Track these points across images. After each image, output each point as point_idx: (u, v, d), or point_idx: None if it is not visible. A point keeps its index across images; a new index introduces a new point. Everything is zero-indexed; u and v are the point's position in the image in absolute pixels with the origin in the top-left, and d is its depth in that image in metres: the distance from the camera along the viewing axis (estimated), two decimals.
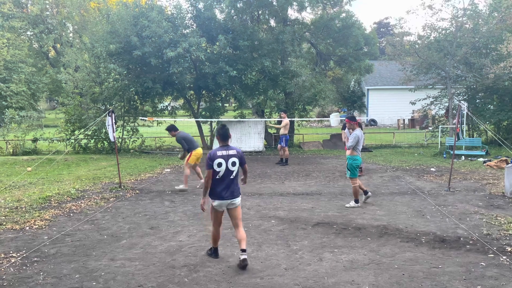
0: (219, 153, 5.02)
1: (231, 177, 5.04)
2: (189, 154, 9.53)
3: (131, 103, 17.83)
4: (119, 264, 5.15)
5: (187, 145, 9.49)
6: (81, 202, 8.33)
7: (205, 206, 5.20)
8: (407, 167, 12.56)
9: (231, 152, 5.07)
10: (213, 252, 5.36)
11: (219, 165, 4.97)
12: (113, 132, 9.93)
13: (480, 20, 16.07)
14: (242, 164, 5.17)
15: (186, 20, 17.10)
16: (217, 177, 5.00)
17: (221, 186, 5.02)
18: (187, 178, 9.60)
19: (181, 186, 9.62)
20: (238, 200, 5.16)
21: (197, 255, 5.45)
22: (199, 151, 9.67)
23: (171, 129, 9.78)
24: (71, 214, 7.50)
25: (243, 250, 4.99)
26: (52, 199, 8.56)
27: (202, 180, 9.51)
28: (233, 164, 5.03)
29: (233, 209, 5.16)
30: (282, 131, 13.55)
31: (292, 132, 19.22)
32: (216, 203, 5.08)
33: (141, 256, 5.42)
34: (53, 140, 17.47)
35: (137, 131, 18.00)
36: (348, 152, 7.96)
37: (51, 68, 32.00)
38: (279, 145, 13.79)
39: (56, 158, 14.04)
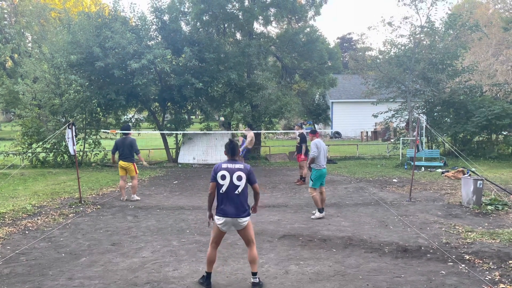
0: (224, 165, 4.75)
1: (236, 192, 4.66)
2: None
3: (93, 115, 17.34)
4: (77, 284, 4.91)
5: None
6: (38, 219, 7.94)
7: (211, 221, 4.88)
8: (371, 178, 12.84)
9: (237, 166, 4.75)
10: (205, 280, 4.82)
11: (223, 177, 4.67)
12: (74, 145, 9.59)
13: (436, 37, 16.84)
14: (251, 182, 4.78)
15: (151, 32, 16.92)
16: (221, 191, 4.68)
17: (225, 202, 4.67)
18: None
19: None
20: (245, 220, 4.71)
21: (160, 271, 5.29)
22: (120, 163, 9.79)
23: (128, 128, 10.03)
24: (27, 232, 7.12)
25: (254, 274, 4.74)
26: (6, 216, 8.11)
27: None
28: (239, 178, 4.67)
29: (241, 230, 4.78)
30: (249, 144, 13.67)
31: (259, 145, 19.28)
32: (218, 220, 4.71)
33: (102, 274, 5.20)
34: (8, 154, 16.69)
35: (100, 144, 17.49)
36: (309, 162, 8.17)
37: (7, 79, 30.68)
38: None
39: (11, 172, 13.39)
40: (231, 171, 4.69)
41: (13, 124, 22.83)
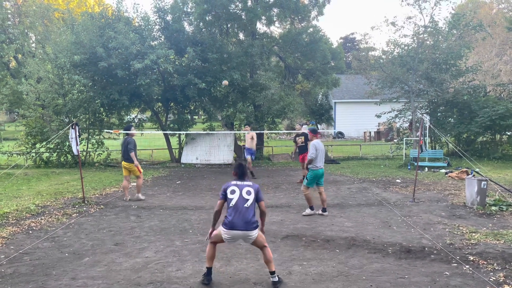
0: (233, 182, 4.90)
1: (246, 205, 4.72)
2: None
3: (96, 115, 17.38)
4: (80, 283, 4.91)
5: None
6: (41, 219, 7.96)
7: (209, 236, 4.91)
8: (374, 179, 12.81)
9: (246, 183, 4.90)
10: (206, 276, 4.88)
11: (232, 192, 4.79)
12: (77, 145, 9.61)
13: (440, 37, 16.80)
14: (258, 199, 4.86)
15: (154, 32, 16.95)
16: (231, 204, 4.73)
17: (234, 215, 4.69)
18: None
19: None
20: (255, 234, 4.74)
21: (163, 271, 5.29)
22: (123, 163, 9.90)
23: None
24: (30, 232, 7.14)
25: (272, 273, 4.78)
26: (9, 216, 8.13)
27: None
28: (248, 193, 4.78)
29: (253, 242, 4.82)
30: (249, 144, 13.45)
31: (262, 145, 19.28)
32: (226, 234, 4.73)
33: (105, 274, 5.20)
34: (12, 154, 16.74)
35: (103, 144, 17.53)
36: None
37: (11, 79, 30.80)
38: (248, 157, 13.55)
39: (15, 172, 13.44)
40: (241, 187, 4.83)
41: (17, 124, 22.95)
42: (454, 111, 17.54)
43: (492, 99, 17.07)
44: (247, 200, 4.72)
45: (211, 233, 4.89)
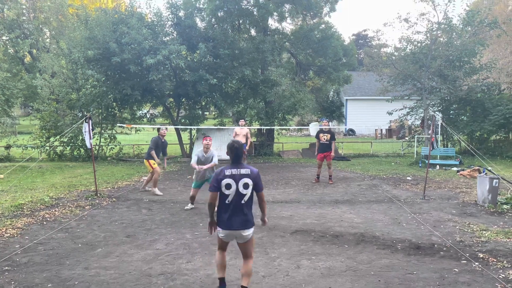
0: (228, 171, 4.18)
1: (242, 202, 4.18)
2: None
3: (109, 110, 17.59)
4: (93, 273, 5.03)
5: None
6: (55, 210, 8.13)
7: (212, 230, 4.40)
8: (384, 176, 12.77)
9: (243, 171, 4.20)
10: (220, 286, 4.43)
11: (228, 186, 4.15)
12: (90, 139, 9.77)
13: (454, 34, 16.60)
14: (257, 189, 4.26)
15: (167, 28, 17.07)
16: (226, 201, 4.18)
17: (229, 213, 4.18)
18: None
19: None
20: (249, 232, 4.25)
21: (174, 263, 5.38)
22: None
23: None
24: (44, 223, 7.30)
25: None
26: (24, 207, 8.32)
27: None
28: (245, 186, 4.18)
29: (243, 243, 4.31)
30: (243, 140, 12.78)
31: (272, 141, 19.32)
32: (222, 233, 4.28)
33: (117, 265, 5.31)
34: (27, 147, 17.05)
35: (115, 139, 17.75)
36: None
37: (26, 74, 31.28)
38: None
39: (30, 165, 13.69)
40: (237, 179, 4.17)
41: (31, 118, 23.29)
42: (467, 109, 17.34)
43: (507, 97, 16.84)
44: (244, 195, 4.19)
45: (211, 224, 4.38)
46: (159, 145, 9.99)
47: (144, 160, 10.14)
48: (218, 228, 4.30)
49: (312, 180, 11.95)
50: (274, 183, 11.70)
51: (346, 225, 7.19)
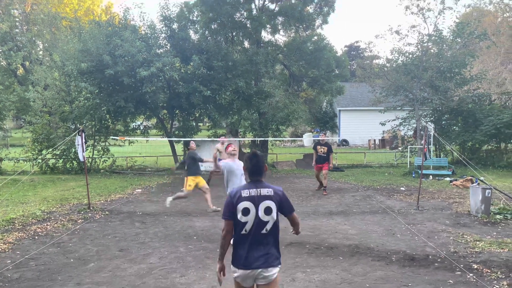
0: (245, 192, 3.26)
1: (264, 231, 3.23)
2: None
3: (102, 122, 17.53)
4: None
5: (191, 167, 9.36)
6: (47, 224, 8.03)
7: (221, 277, 3.35)
8: (378, 187, 12.80)
9: (264, 191, 3.28)
10: None
11: (245, 212, 3.21)
12: (83, 151, 9.72)
13: (444, 45, 16.84)
14: (286, 212, 3.35)
15: (160, 40, 17.14)
16: (243, 231, 3.23)
17: (247, 247, 3.23)
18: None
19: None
20: (274, 272, 3.25)
21: (168, 277, 5.32)
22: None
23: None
24: (36, 237, 7.21)
25: None
26: (16, 221, 8.22)
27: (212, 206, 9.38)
28: (268, 211, 3.23)
29: (265, 284, 3.26)
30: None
31: (266, 152, 19.33)
32: (238, 274, 3.25)
33: (109, 280, 5.25)
34: (19, 160, 16.89)
35: (108, 151, 17.66)
36: None
37: (19, 86, 31.15)
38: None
39: (21, 178, 13.55)
40: (257, 201, 3.23)
41: (24, 130, 23.15)
42: (458, 119, 17.51)
43: (497, 107, 17.04)
44: (266, 222, 3.24)
45: (220, 270, 3.34)
46: (196, 160, 9.58)
47: (187, 176, 9.45)
48: (233, 268, 3.28)
49: (306, 191, 11.96)
50: None
51: (341, 237, 7.18)
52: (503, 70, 26.84)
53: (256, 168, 3.35)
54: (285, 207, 3.34)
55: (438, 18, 16.43)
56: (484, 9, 30.85)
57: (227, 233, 3.28)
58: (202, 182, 9.48)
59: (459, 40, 16.69)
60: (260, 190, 3.28)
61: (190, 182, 9.29)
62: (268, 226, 3.25)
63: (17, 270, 5.60)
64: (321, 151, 11.67)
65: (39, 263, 5.88)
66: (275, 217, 3.27)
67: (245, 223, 3.22)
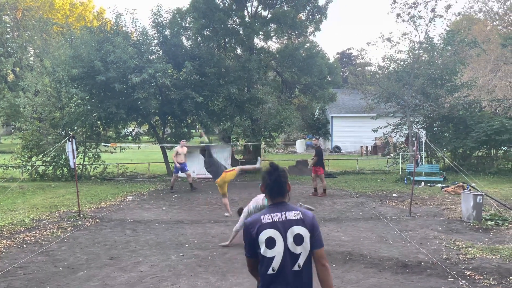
0: (266, 218, 2.54)
1: (296, 268, 2.51)
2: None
3: (93, 129, 17.38)
4: None
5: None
6: (36, 232, 7.90)
7: None
8: (370, 193, 12.81)
9: (290, 214, 2.56)
10: None
11: (270, 243, 2.48)
12: (74, 158, 9.60)
13: (435, 53, 17.00)
14: (315, 244, 2.55)
15: (152, 46, 17.10)
16: (270, 271, 2.49)
17: None
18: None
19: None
20: None
21: (159, 286, 5.24)
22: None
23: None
24: (25, 245, 7.08)
25: None
26: (4, 229, 8.07)
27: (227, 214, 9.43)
28: (298, 240, 2.51)
29: None
30: (184, 159, 13.73)
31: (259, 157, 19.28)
32: None
33: None
34: (8, 167, 16.66)
35: (99, 158, 17.49)
36: None
37: (9, 92, 30.87)
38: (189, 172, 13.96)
39: (10, 185, 13.36)
40: (282, 228, 2.51)
41: (13, 137, 22.90)
42: (450, 126, 17.65)
43: (488, 114, 17.21)
44: (298, 256, 2.51)
45: None
46: None
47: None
48: None
49: (299, 198, 11.93)
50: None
51: (334, 244, 7.15)
52: (493, 77, 27.15)
53: (277, 185, 2.60)
54: (316, 237, 2.55)
55: (429, 26, 16.62)
56: (474, 17, 31.27)
57: (253, 270, 2.65)
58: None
59: (450, 48, 16.87)
60: (285, 214, 2.54)
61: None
62: (301, 261, 2.49)
63: (5, 279, 5.48)
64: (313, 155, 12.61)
65: (27, 272, 5.76)
66: (308, 248, 2.52)
67: (271, 258, 2.46)
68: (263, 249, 2.48)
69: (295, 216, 2.55)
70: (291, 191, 2.71)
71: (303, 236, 2.50)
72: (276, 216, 2.53)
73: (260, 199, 6.90)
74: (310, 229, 2.53)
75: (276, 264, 2.46)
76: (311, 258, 2.55)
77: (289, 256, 2.48)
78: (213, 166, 9.54)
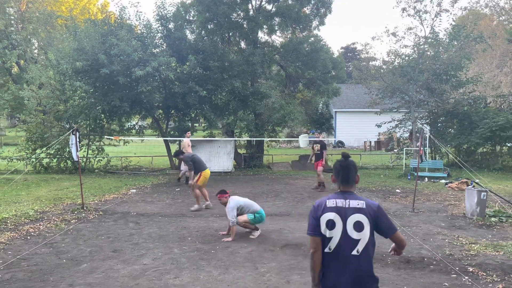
0: (330, 202, 2.81)
1: (354, 252, 2.74)
2: (198, 175, 9.54)
3: (97, 122, 17.42)
4: None
5: (195, 166, 9.55)
6: (40, 224, 7.94)
7: None
8: (374, 188, 12.79)
9: (354, 203, 2.80)
10: None
11: (330, 224, 2.76)
12: (77, 151, 9.63)
13: (440, 48, 16.88)
14: (385, 231, 2.86)
15: (156, 40, 17.05)
16: (327, 249, 2.77)
17: (336, 270, 2.76)
18: (199, 197, 9.56)
19: (196, 206, 9.55)
20: None
21: (161, 278, 5.26)
22: (207, 172, 9.73)
23: (179, 154, 10.33)
24: (28, 237, 7.12)
25: None
26: (8, 221, 8.12)
27: (197, 206, 9.54)
28: (358, 226, 2.75)
29: None
30: (189, 151, 13.75)
31: (262, 153, 19.29)
32: None
33: (102, 281, 5.18)
34: (12, 159, 16.74)
35: (103, 151, 17.54)
36: None
37: (13, 85, 30.94)
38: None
39: (15, 177, 13.42)
40: (344, 213, 2.77)
41: (18, 129, 22.97)
42: (454, 121, 17.55)
43: (493, 110, 17.10)
44: (357, 241, 2.74)
45: None
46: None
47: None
48: None
49: (302, 193, 11.94)
50: (264, 195, 11.63)
51: None
52: (499, 73, 26.97)
53: (346, 175, 2.87)
54: (383, 225, 2.79)
55: (435, 20, 16.53)
56: (480, 12, 31.01)
57: (315, 252, 2.79)
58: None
59: (455, 43, 16.74)
60: (349, 202, 2.78)
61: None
62: (360, 247, 2.72)
63: (8, 270, 5.52)
64: (316, 149, 12.49)
65: (31, 264, 5.80)
66: (367, 236, 2.73)
67: (330, 238, 2.74)
68: (323, 229, 2.76)
69: (358, 205, 2.79)
70: (358, 183, 2.99)
71: (363, 224, 2.74)
72: (340, 202, 2.80)
73: (256, 206, 7.31)
74: (373, 220, 2.77)
75: (333, 244, 2.75)
76: (373, 244, 2.81)
77: (348, 240, 2.73)
78: (196, 164, 9.64)
